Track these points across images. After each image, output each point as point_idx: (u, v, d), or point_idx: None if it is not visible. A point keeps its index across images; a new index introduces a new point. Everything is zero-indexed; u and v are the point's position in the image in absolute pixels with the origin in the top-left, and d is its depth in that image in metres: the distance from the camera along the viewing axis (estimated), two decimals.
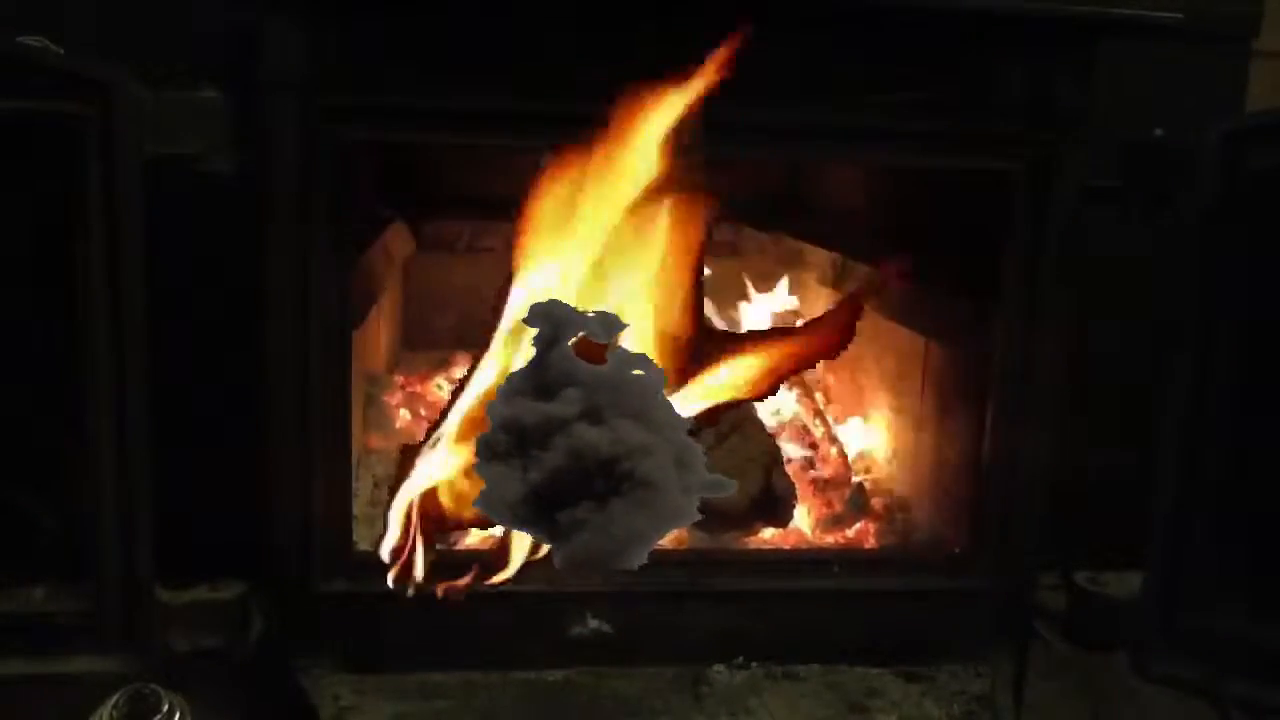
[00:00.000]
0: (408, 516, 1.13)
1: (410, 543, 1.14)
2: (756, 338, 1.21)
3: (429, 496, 1.13)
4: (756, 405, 1.90)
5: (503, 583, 1.17)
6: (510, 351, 1.12)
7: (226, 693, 1.38)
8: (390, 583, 1.16)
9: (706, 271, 1.17)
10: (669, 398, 1.04)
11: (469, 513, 1.11)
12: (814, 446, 2.10)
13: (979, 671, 1.54)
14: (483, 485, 0.99)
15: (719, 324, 2.14)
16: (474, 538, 1.53)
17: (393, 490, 1.15)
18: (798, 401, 2.16)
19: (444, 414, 1.15)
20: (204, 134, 1.31)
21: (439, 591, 1.16)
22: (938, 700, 1.50)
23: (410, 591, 1.16)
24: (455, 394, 1.15)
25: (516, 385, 1.00)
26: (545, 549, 1.12)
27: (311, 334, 1.39)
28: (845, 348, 1.21)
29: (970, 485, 1.59)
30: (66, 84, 1.24)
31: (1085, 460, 1.58)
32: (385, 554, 1.15)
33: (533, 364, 1.00)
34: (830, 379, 2.33)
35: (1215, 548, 1.40)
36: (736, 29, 1.10)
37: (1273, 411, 1.36)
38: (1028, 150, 1.43)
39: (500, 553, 1.15)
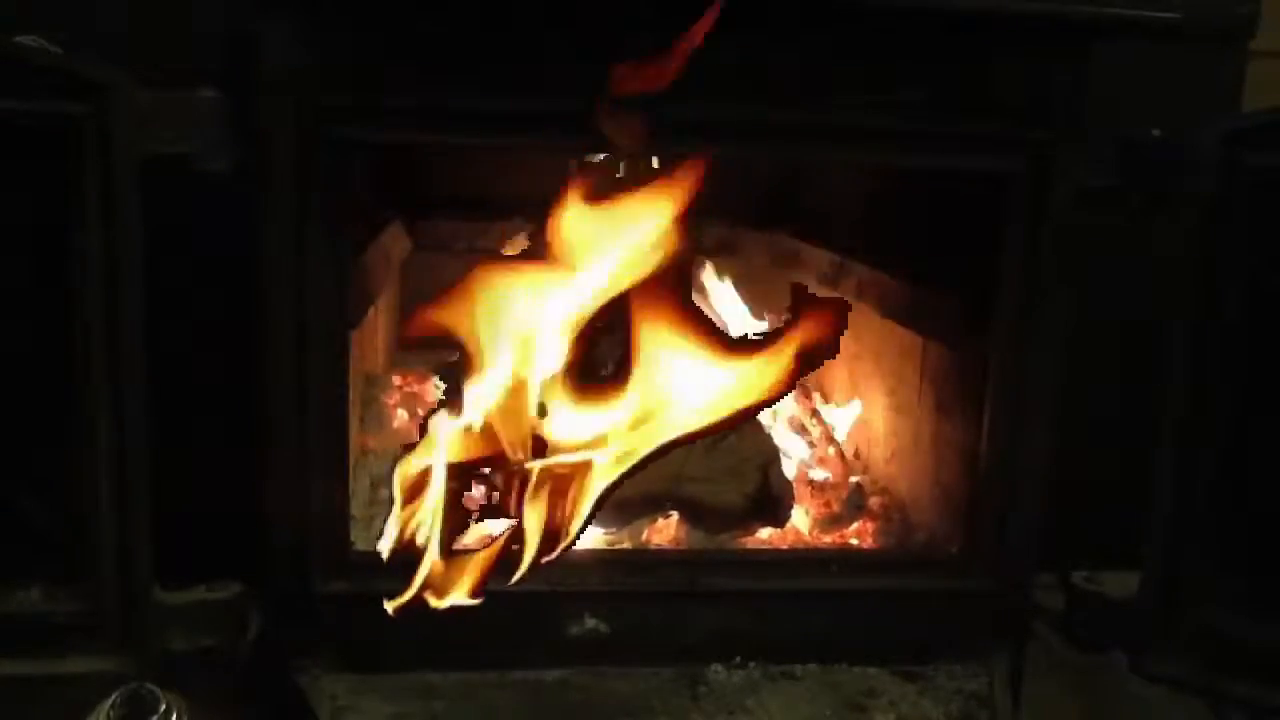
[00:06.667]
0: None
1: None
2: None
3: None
4: None
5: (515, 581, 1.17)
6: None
7: (224, 693, 1.38)
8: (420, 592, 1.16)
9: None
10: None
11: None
12: (812, 446, 2.10)
13: (977, 671, 1.54)
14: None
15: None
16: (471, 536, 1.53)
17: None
18: (795, 401, 2.16)
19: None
20: (202, 134, 1.31)
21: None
22: (935, 700, 1.50)
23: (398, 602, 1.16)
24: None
25: None
26: (558, 550, 1.12)
27: (309, 334, 1.38)
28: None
29: (968, 485, 1.59)
30: (64, 84, 1.24)
31: (1083, 460, 1.57)
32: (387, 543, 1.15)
33: None
34: (828, 379, 2.33)
35: (1213, 547, 1.41)
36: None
37: (1272, 411, 1.36)
38: (1026, 150, 1.43)
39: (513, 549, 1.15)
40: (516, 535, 1.14)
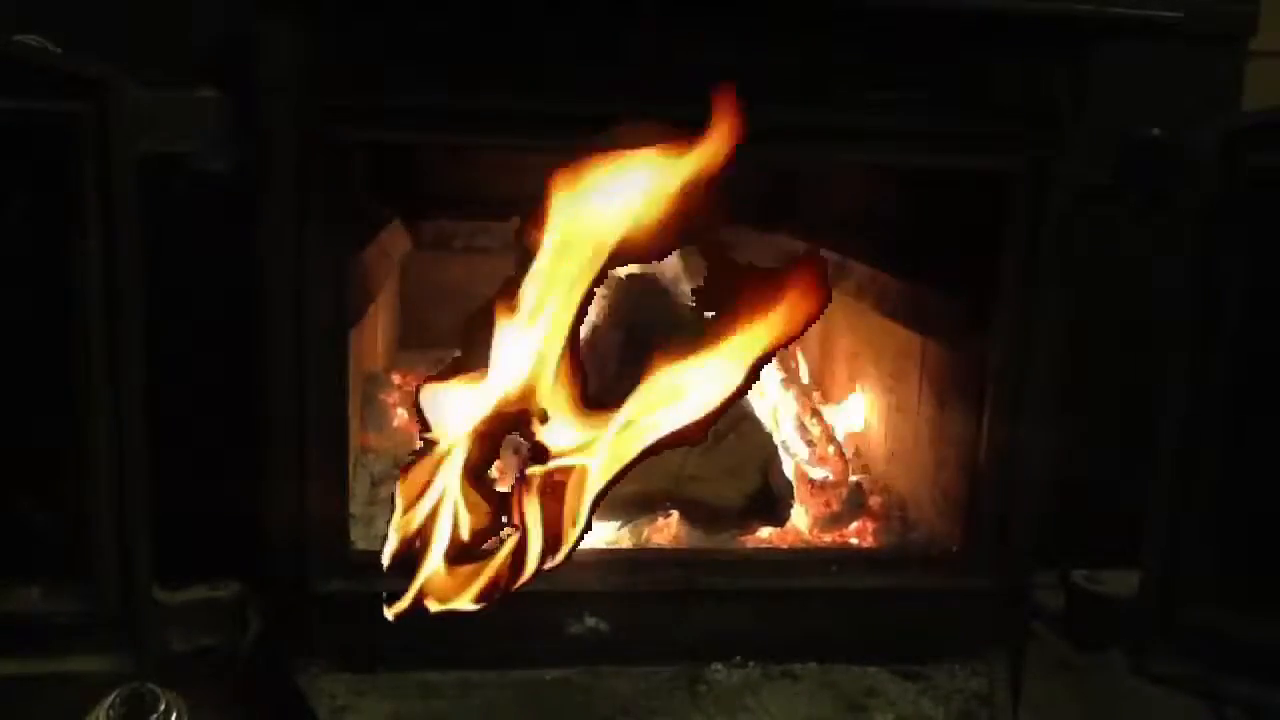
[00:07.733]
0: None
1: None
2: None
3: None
4: (754, 404, 1.90)
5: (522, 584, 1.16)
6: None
7: (223, 692, 1.38)
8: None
9: None
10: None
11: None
12: (812, 445, 2.10)
13: (976, 670, 1.54)
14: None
15: None
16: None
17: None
18: (795, 400, 2.16)
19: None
20: (202, 134, 1.31)
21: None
22: (935, 699, 1.50)
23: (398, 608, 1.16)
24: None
25: None
26: (562, 553, 1.12)
27: (309, 333, 1.38)
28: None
29: (968, 484, 1.59)
30: (63, 83, 1.23)
31: (1083, 459, 1.57)
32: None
33: None
34: (829, 378, 2.33)
35: (1213, 546, 1.40)
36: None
37: (1271, 411, 1.36)
38: (1026, 149, 1.43)
39: (517, 555, 1.14)
40: (520, 541, 1.14)
